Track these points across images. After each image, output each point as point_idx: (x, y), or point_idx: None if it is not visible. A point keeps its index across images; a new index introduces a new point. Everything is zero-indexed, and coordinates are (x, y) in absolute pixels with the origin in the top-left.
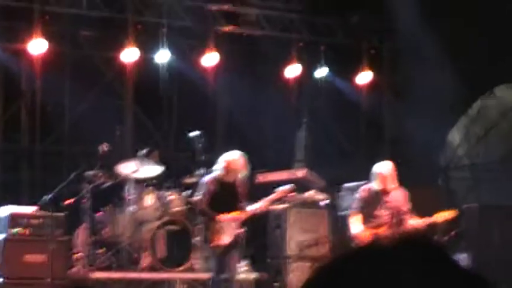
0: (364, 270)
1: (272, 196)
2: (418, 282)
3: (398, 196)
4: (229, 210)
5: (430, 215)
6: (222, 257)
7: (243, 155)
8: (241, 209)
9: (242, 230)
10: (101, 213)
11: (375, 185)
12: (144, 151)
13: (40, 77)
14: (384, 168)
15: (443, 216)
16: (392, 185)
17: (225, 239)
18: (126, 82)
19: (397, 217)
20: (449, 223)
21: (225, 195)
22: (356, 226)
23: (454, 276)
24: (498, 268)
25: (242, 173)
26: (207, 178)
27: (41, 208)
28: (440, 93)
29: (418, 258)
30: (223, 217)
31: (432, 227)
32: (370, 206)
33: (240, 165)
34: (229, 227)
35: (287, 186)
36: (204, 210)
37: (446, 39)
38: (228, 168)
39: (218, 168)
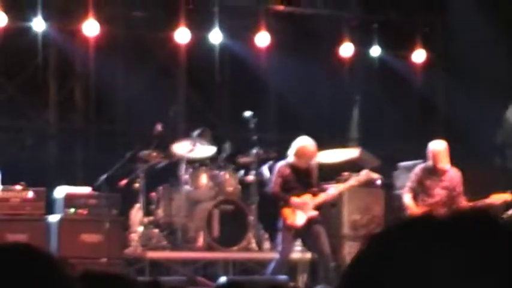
0: (414, 242)
1: (346, 184)
2: (477, 260)
3: (454, 176)
4: (300, 196)
5: (487, 196)
6: (292, 239)
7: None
8: (314, 194)
9: (316, 213)
10: (155, 193)
11: (429, 164)
12: (197, 131)
13: (94, 58)
14: (438, 145)
15: (500, 197)
16: (446, 163)
17: (299, 221)
18: (179, 62)
19: (452, 197)
20: (508, 205)
21: (297, 181)
22: (409, 204)
23: None
24: None
25: (313, 159)
26: (280, 163)
27: (96, 188)
28: (495, 70)
29: (477, 232)
30: (295, 200)
31: (489, 209)
32: (425, 184)
33: (310, 152)
34: (301, 211)
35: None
36: (278, 193)
37: (501, 15)
38: (299, 154)
39: (291, 154)
